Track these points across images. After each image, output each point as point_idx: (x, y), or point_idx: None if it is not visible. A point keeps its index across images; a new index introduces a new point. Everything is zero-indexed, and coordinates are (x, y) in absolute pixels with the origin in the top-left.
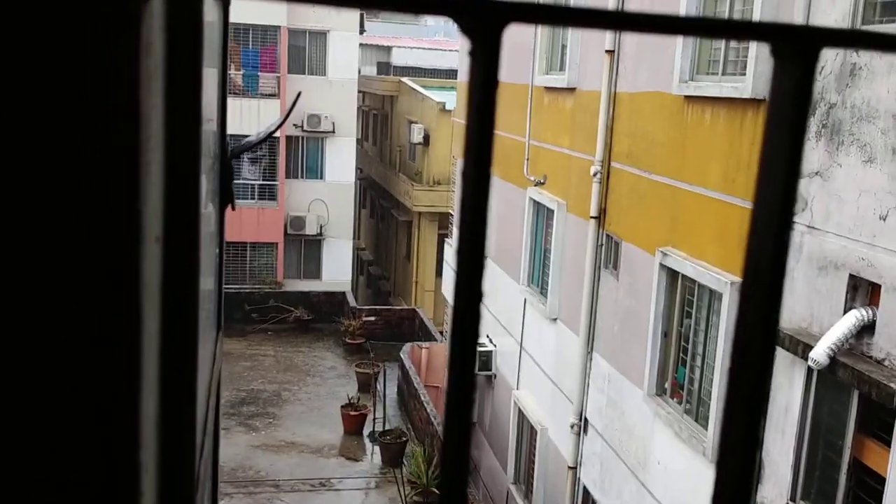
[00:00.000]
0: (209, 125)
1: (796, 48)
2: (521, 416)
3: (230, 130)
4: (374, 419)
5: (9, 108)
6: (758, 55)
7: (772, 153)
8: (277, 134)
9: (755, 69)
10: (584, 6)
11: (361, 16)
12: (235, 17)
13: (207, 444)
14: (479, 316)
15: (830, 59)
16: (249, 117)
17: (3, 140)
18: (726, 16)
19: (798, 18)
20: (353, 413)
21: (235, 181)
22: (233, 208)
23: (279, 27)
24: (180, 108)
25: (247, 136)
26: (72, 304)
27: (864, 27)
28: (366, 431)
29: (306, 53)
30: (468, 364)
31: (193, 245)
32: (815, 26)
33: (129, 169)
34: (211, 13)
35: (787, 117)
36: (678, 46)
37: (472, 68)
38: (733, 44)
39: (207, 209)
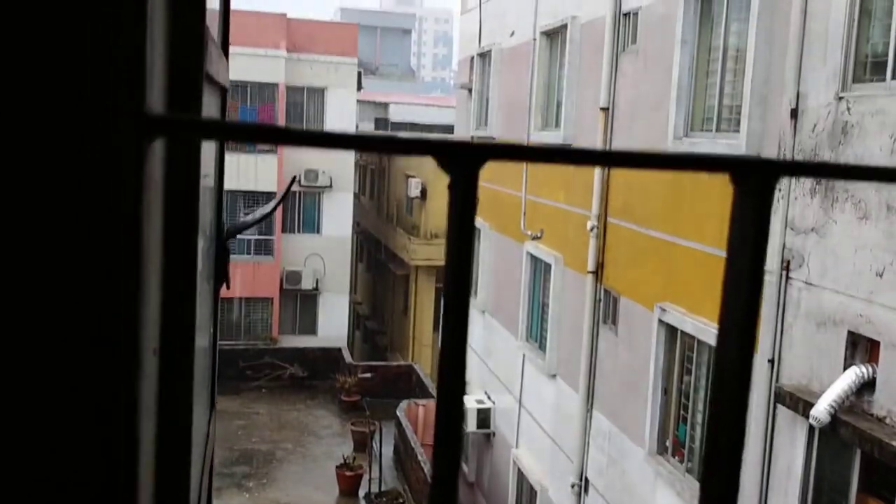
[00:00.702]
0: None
1: (754, 180)
2: (521, 475)
3: (229, 186)
4: (369, 479)
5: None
6: (751, 113)
7: (735, 276)
8: (275, 190)
9: (749, 126)
10: (550, 145)
11: (359, 73)
12: (234, 74)
13: None
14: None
15: (822, 117)
16: (247, 172)
17: (11, 265)
18: (718, 76)
19: (790, 77)
20: (348, 473)
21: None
22: (227, 288)
23: (277, 84)
24: (179, 232)
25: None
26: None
27: (855, 85)
28: (361, 493)
29: (304, 110)
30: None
31: (188, 355)
32: (771, 159)
33: (129, 286)
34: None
35: (748, 247)
36: (672, 103)
37: (451, 199)
38: (727, 101)
39: (204, 292)
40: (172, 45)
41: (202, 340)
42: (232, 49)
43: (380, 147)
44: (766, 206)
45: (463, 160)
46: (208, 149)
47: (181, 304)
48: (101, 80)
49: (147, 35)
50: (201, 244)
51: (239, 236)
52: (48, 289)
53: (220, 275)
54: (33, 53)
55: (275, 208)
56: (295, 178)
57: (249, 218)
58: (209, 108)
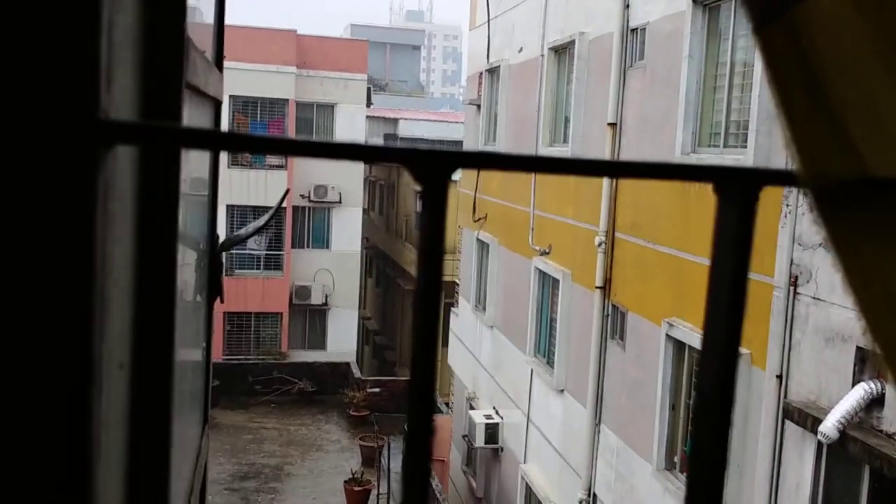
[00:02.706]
0: (200, 220)
1: (737, 189)
2: (529, 490)
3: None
4: (378, 495)
5: None
6: (758, 128)
7: (718, 285)
8: (285, 205)
9: (756, 141)
10: (521, 154)
11: (369, 89)
12: (244, 90)
13: None
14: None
15: None
16: (256, 188)
17: None
18: (726, 92)
19: None
20: (356, 489)
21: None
22: (221, 301)
23: (287, 100)
24: (153, 245)
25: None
26: (21, 440)
27: None
28: None
29: (314, 125)
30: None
31: (166, 367)
32: (755, 168)
33: (83, 303)
34: (201, 118)
35: (731, 256)
36: (679, 119)
37: (422, 207)
38: (734, 116)
39: (194, 305)
40: (148, 53)
41: (190, 355)
42: (242, 65)
43: (349, 155)
44: (749, 216)
45: (433, 168)
46: (201, 162)
47: (157, 318)
48: (45, 81)
49: (102, 34)
50: (193, 257)
51: (248, 251)
52: None
53: (214, 288)
54: None
55: (268, 222)
56: (288, 190)
57: (243, 231)
58: (197, 119)
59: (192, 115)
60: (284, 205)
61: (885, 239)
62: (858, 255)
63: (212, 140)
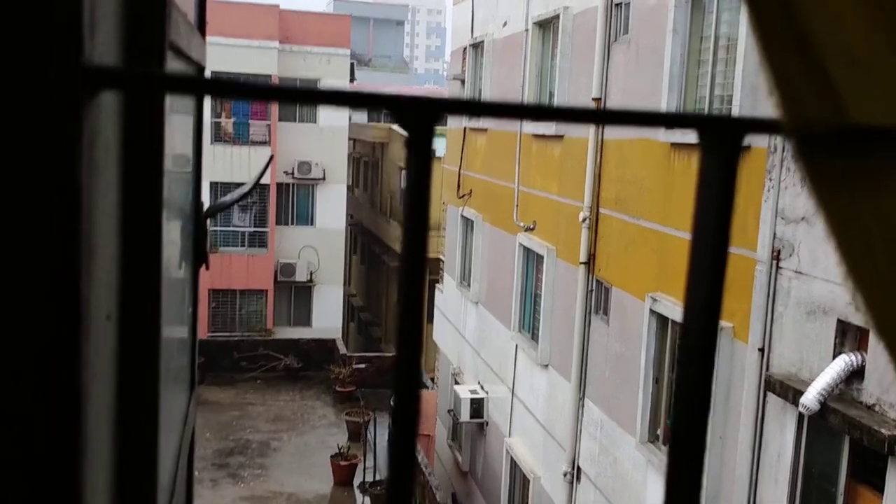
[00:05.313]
0: (183, 186)
1: (720, 138)
2: (514, 464)
3: (222, 178)
4: (364, 469)
5: None
6: (742, 102)
7: (701, 237)
8: (268, 182)
9: (740, 115)
10: (505, 100)
11: (352, 65)
12: (227, 65)
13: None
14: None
15: None
16: (240, 164)
17: None
18: (710, 66)
19: None
20: (343, 463)
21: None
22: (206, 268)
23: (270, 76)
24: (138, 195)
25: (239, 184)
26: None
27: None
28: (356, 482)
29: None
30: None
31: (153, 321)
32: (738, 117)
33: (69, 251)
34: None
35: (714, 205)
36: (663, 92)
37: (407, 156)
38: (718, 90)
39: (181, 269)
40: (131, 6)
41: (177, 318)
42: (224, 40)
43: (334, 101)
44: (733, 165)
45: (419, 114)
46: (185, 129)
47: (143, 270)
48: (30, 27)
49: None
50: (179, 222)
51: (233, 229)
52: None
53: (199, 254)
54: None
55: (253, 187)
56: (272, 156)
57: (228, 197)
58: None
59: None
60: (269, 182)
61: (863, 185)
62: (838, 200)
63: (195, 85)
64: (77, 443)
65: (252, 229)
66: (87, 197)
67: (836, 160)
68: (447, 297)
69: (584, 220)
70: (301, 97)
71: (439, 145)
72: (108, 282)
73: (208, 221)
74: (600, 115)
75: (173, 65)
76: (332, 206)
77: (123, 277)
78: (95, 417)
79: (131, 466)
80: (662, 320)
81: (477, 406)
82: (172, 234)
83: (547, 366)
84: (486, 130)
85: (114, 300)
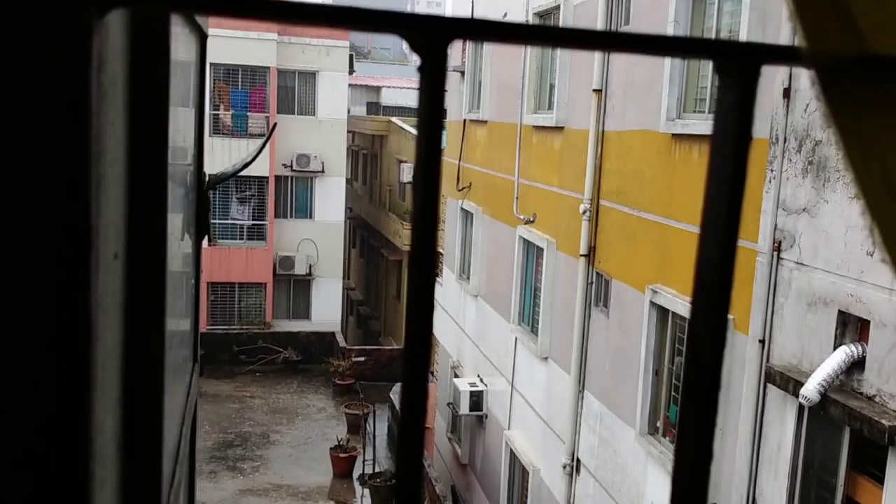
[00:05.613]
0: (186, 157)
1: (738, 64)
2: (513, 456)
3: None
4: (364, 461)
5: None
6: None
7: (717, 170)
8: (267, 174)
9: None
10: (525, 23)
11: (351, 56)
12: (225, 58)
13: (180, 472)
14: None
15: (815, 97)
16: (239, 157)
17: None
18: (714, 29)
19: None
20: (342, 455)
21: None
22: (209, 241)
23: (268, 68)
24: (145, 124)
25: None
26: (20, 316)
27: None
28: (356, 474)
29: (296, 93)
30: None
31: (159, 261)
32: (756, 42)
33: (79, 183)
34: (188, 50)
35: (732, 132)
36: (665, 85)
37: (420, 81)
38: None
39: (184, 240)
40: None
41: (181, 282)
42: (223, 32)
43: (346, 22)
44: (751, 92)
45: (434, 34)
46: (186, 114)
47: (150, 206)
48: None
49: None
50: (181, 192)
51: (231, 222)
52: None
53: (202, 225)
54: None
55: (255, 156)
56: (275, 124)
57: (230, 168)
58: (187, 51)
59: (185, 48)
60: (267, 174)
61: (884, 116)
62: (858, 132)
63: (203, 2)
64: (87, 373)
65: (251, 222)
66: (96, 122)
67: (857, 90)
68: (447, 291)
69: (584, 212)
70: (310, 16)
71: None
72: (116, 220)
73: (210, 194)
74: (613, 39)
75: (181, 29)
76: (330, 199)
77: (131, 214)
78: (103, 353)
79: (138, 406)
80: (663, 312)
81: (476, 399)
82: (182, 206)
83: (546, 358)
84: (485, 122)
85: (122, 239)
